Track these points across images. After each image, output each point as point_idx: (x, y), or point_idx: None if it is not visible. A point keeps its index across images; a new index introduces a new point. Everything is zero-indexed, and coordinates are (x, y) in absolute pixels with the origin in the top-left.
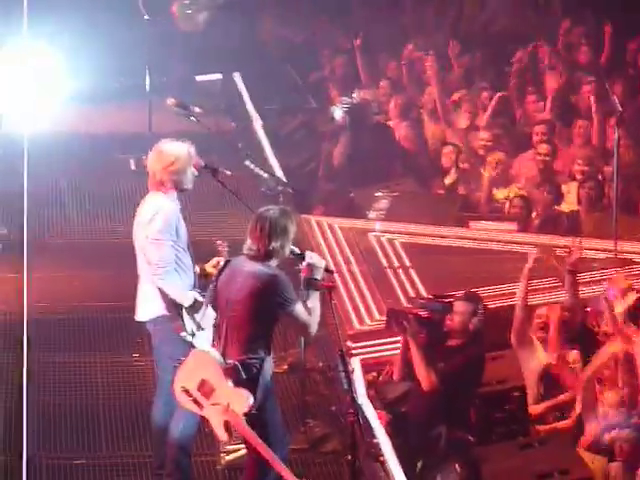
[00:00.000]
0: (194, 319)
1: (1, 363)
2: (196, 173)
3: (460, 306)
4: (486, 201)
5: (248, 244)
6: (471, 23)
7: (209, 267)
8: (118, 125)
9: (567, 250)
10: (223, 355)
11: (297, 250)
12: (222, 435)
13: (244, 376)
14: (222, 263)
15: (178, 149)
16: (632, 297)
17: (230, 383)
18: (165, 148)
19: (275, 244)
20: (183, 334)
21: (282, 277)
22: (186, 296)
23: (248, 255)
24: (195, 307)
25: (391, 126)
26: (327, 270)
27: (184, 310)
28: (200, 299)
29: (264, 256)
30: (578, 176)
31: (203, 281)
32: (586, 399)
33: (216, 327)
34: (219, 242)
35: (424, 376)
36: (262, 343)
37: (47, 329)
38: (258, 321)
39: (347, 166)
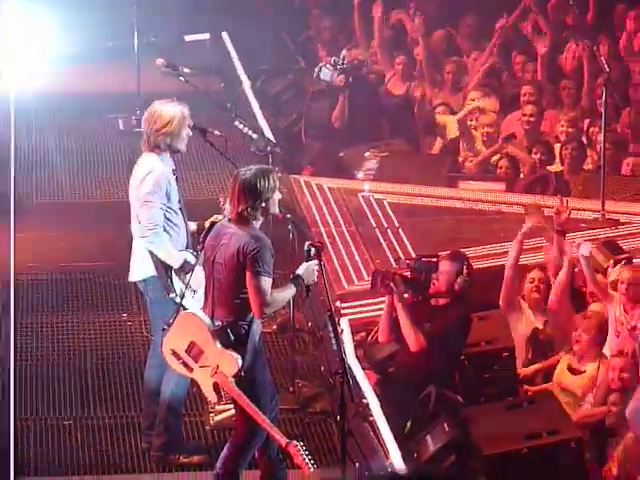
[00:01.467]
0: (183, 280)
1: None
2: (190, 134)
3: (445, 265)
4: (476, 161)
5: (227, 206)
6: None
7: (207, 224)
8: (107, 85)
9: (555, 211)
10: (212, 317)
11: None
12: (211, 397)
13: (232, 338)
14: (207, 225)
15: (173, 111)
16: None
17: (219, 345)
18: (160, 109)
19: (244, 206)
20: (172, 295)
21: (261, 242)
22: (175, 257)
23: (229, 218)
24: (185, 268)
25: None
26: (314, 245)
27: (173, 271)
28: (190, 260)
29: (237, 219)
30: (562, 137)
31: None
32: None
33: (205, 288)
34: (222, 198)
35: (411, 336)
36: (249, 305)
37: (35, 289)
38: (243, 283)
39: (339, 126)
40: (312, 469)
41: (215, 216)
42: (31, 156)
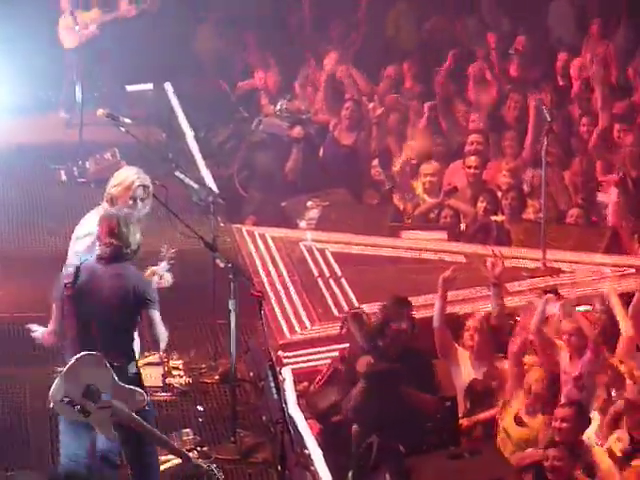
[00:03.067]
0: None
1: None
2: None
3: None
4: (417, 211)
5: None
6: (400, 32)
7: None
8: (49, 136)
9: (490, 264)
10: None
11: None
12: (112, 436)
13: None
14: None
15: (126, 174)
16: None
17: (121, 383)
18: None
19: (122, 244)
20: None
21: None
22: None
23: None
24: None
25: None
26: (248, 279)
27: None
28: None
29: (114, 258)
30: (503, 187)
31: None
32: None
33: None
34: (165, 246)
35: None
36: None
37: None
38: (132, 322)
39: (278, 176)
40: None
41: (151, 268)
42: None
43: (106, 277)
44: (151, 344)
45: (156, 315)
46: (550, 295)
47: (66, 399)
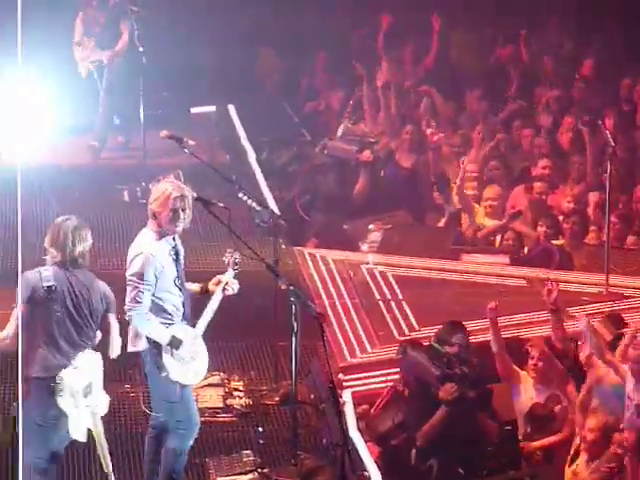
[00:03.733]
0: (174, 356)
1: None
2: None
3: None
4: (481, 234)
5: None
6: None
7: (211, 285)
8: (113, 157)
9: (546, 291)
10: None
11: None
12: (82, 437)
13: None
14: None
15: (170, 188)
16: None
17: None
18: (159, 187)
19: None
20: (164, 374)
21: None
22: (160, 336)
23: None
24: (174, 344)
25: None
26: (310, 301)
27: (163, 348)
28: (180, 335)
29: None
30: (566, 211)
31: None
32: None
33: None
34: (229, 252)
35: None
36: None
37: None
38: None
39: (341, 199)
40: None
41: (218, 277)
42: (38, 227)
43: (73, 283)
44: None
45: (114, 320)
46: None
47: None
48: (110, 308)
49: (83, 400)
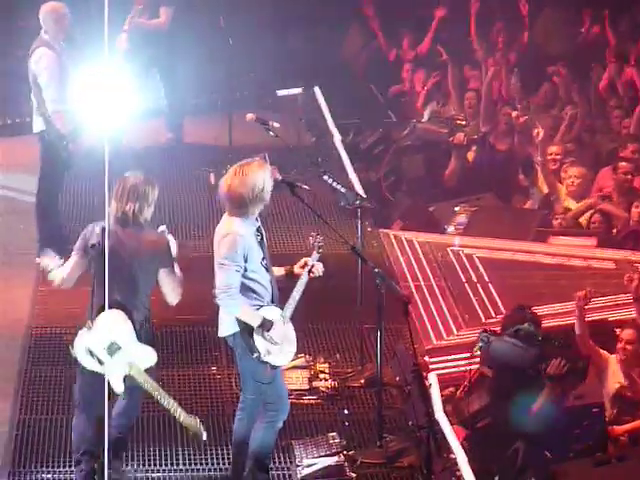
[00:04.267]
0: (265, 337)
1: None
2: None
3: None
4: (570, 215)
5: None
6: (553, 38)
7: (297, 268)
8: (199, 139)
9: (627, 279)
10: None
11: None
12: (120, 389)
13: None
14: (98, 231)
15: (259, 173)
16: None
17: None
18: (243, 172)
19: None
20: (255, 355)
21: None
22: (253, 317)
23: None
24: (265, 325)
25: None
26: (395, 283)
27: (254, 330)
28: (272, 317)
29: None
30: None
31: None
32: None
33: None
34: (313, 234)
35: None
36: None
37: None
38: (151, 283)
39: (428, 181)
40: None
41: (304, 259)
42: None
43: (127, 239)
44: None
45: (165, 274)
46: None
47: (87, 350)
48: (162, 263)
49: (110, 358)
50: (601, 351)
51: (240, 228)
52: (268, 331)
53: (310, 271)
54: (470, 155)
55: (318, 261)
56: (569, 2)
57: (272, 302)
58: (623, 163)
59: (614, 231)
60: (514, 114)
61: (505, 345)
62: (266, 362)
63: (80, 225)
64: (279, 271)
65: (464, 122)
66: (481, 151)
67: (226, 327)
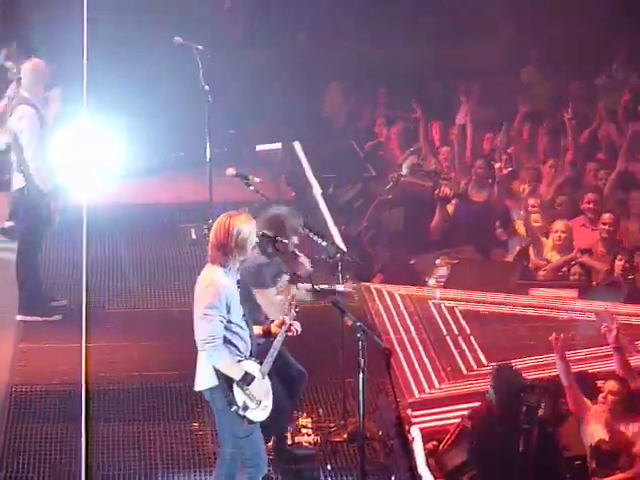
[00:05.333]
0: (245, 391)
1: (63, 435)
2: (254, 242)
3: None
4: (549, 267)
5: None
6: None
7: (274, 327)
8: (179, 195)
9: (605, 329)
10: None
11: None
12: None
13: None
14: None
15: (245, 225)
16: None
17: None
18: (230, 222)
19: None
20: (234, 408)
21: None
22: (235, 370)
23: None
24: (246, 379)
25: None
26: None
27: (235, 383)
28: (252, 371)
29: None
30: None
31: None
32: None
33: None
34: (290, 296)
35: None
36: None
37: (107, 399)
38: None
39: (408, 234)
40: None
41: (281, 317)
42: (104, 266)
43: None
44: None
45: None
46: None
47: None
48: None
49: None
50: (586, 401)
51: (223, 278)
52: (248, 385)
53: (288, 330)
54: (449, 208)
55: (295, 319)
56: (549, 60)
57: (251, 357)
58: (606, 215)
59: (594, 283)
60: (497, 165)
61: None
62: (244, 416)
63: (61, 281)
64: (256, 329)
65: (446, 175)
66: (461, 204)
67: (204, 381)
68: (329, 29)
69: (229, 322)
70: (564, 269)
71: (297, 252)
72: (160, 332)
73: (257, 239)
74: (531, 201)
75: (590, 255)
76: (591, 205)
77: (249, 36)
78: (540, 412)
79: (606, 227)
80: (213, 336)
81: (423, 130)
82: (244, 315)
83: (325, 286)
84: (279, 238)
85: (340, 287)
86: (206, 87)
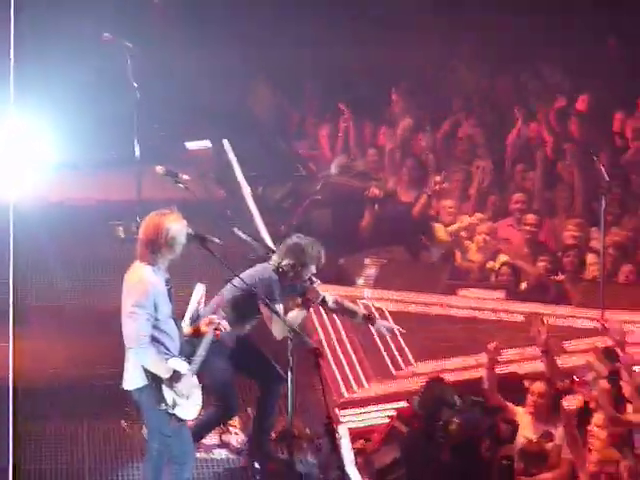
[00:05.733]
0: (174, 389)
1: None
2: (183, 242)
3: None
4: (475, 270)
5: None
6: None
7: (203, 326)
8: (107, 193)
9: (535, 332)
10: None
11: None
12: None
13: None
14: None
15: (174, 223)
16: None
17: None
18: (157, 221)
19: None
20: (163, 407)
21: None
22: (162, 368)
23: None
24: (174, 377)
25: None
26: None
27: (163, 381)
28: (180, 368)
29: None
30: (569, 242)
31: (198, 338)
32: None
33: None
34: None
35: None
36: None
37: (33, 397)
38: None
39: (337, 234)
40: None
41: (209, 317)
42: (31, 263)
43: None
44: None
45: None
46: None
47: None
48: None
49: None
50: (509, 404)
51: (151, 276)
52: (176, 383)
53: (216, 328)
54: (379, 209)
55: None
56: (483, 59)
57: (180, 355)
58: (529, 215)
59: (523, 285)
60: (437, 178)
61: (474, 419)
62: (173, 414)
63: None
64: (186, 329)
65: (376, 176)
66: (390, 204)
67: (132, 380)
68: (258, 27)
69: (157, 320)
70: (494, 270)
71: (313, 279)
72: (88, 329)
73: (274, 266)
74: (447, 202)
75: (516, 256)
76: (519, 205)
77: (178, 33)
78: (453, 428)
79: (529, 228)
80: (140, 334)
81: (352, 130)
82: (172, 312)
83: None
84: (297, 267)
85: None
86: (134, 84)
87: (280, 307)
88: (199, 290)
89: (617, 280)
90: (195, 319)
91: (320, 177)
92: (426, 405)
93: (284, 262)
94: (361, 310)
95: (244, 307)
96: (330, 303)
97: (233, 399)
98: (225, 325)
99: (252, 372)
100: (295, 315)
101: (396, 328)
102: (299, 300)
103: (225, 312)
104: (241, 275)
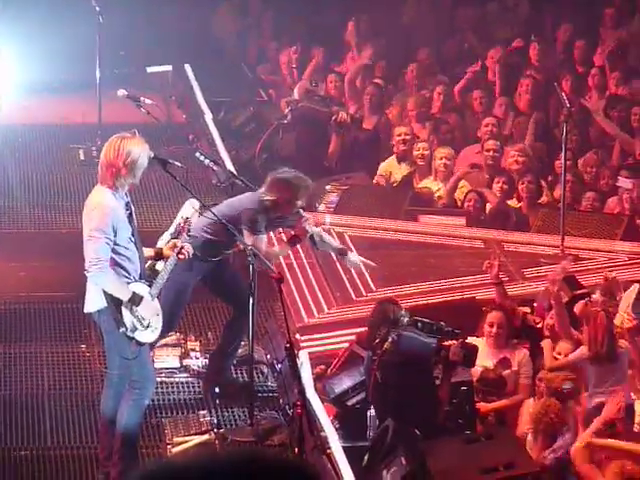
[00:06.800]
0: (134, 313)
1: None
2: (145, 166)
3: None
4: (445, 190)
5: None
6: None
7: (166, 249)
8: (68, 116)
9: (486, 264)
10: None
11: None
12: None
13: None
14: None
15: (136, 147)
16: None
17: None
18: (119, 143)
19: None
20: (122, 330)
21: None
22: (122, 291)
23: None
24: (134, 301)
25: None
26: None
27: (123, 305)
28: (141, 292)
29: None
30: (513, 167)
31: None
32: None
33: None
34: (182, 218)
35: None
36: None
37: None
38: None
39: (299, 159)
40: None
41: (172, 241)
42: None
43: None
44: None
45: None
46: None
47: None
48: None
49: None
50: None
51: (111, 201)
52: (137, 306)
53: (179, 252)
54: (342, 134)
55: (188, 242)
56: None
57: (141, 279)
58: (490, 141)
59: (486, 211)
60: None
61: (413, 338)
62: (132, 338)
63: None
64: (148, 252)
65: (337, 101)
66: (352, 130)
67: (93, 303)
68: None
69: (116, 244)
70: (460, 197)
71: (302, 213)
72: (49, 253)
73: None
74: (402, 129)
75: (477, 181)
76: (489, 128)
77: None
78: (387, 345)
79: (490, 154)
80: (99, 258)
81: (315, 56)
82: (133, 235)
83: None
84: (283, 201)
85: None
86: (97, 7)
87: (264, 238)
88: (188, 206)
89: (578, 208)
90: (176, 236)
91: (286, 102)
92: (371, 324)
93: (269, 197)
94: (337, 244)
95: (220, 234)
96: (317, 241)
97: (175, 320)
98: (189, 249)
99: (227, 295)
100: (278, 251)
101: (368, 262)
102: (285, 237)
103: (200, 236)
104: (226, 202)
